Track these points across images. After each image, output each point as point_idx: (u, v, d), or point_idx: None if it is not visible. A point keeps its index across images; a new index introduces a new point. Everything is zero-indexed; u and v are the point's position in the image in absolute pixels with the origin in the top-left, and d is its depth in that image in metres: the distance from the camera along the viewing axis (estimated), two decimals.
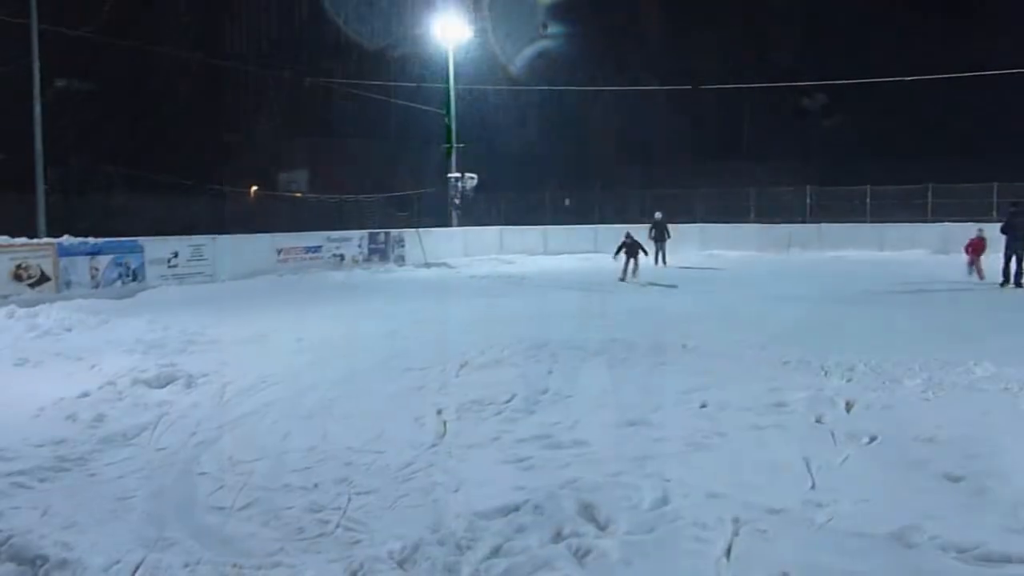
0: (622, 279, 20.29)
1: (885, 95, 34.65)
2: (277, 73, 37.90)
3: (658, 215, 26.19)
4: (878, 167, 33.27)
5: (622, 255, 20.45)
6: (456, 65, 32.29)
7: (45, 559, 4.01)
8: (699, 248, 30.36)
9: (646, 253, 20.92)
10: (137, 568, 4.03)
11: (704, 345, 10.72)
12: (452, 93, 32.26)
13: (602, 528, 4.46)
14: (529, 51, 37.67)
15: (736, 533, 4.46)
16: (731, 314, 14.18)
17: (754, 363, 9.43)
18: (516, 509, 4.61)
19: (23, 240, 16.79)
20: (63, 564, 3.96)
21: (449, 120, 32.46)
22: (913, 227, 30.44)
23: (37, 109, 19.22)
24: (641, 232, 23.39)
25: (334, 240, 24.73)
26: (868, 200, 32.67)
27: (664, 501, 4.89)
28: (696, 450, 6.08)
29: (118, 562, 4.10)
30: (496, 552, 4.14)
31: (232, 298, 17.48)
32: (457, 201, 32.10)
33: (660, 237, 25.20)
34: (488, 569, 3.97)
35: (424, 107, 33.47)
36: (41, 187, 19.11)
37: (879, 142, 39.43)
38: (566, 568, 4.01)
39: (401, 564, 4.04)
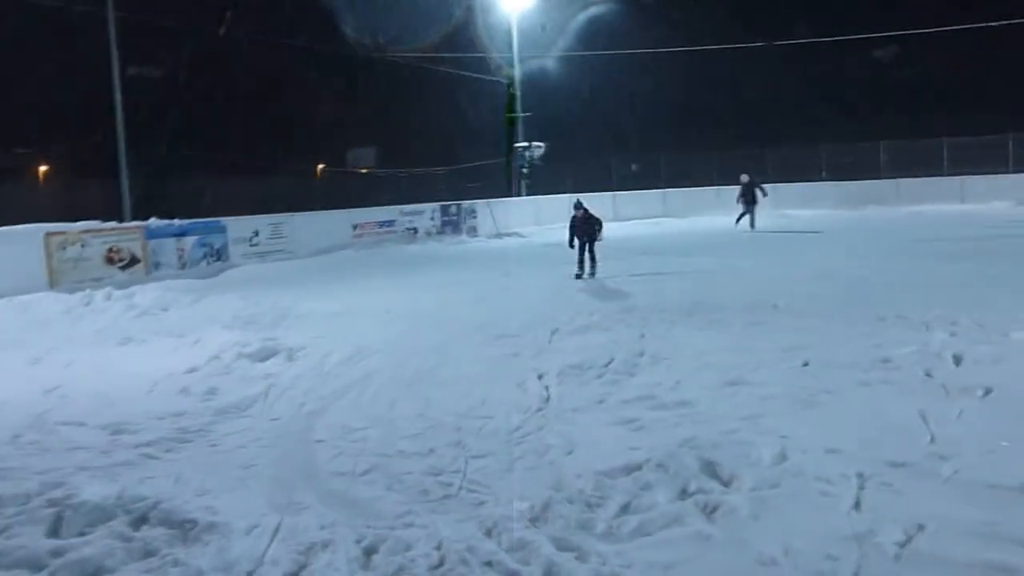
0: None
1: (959, 43, 33.48)
2: (343, 49, 38.13)
3: (744, 177, 24.84)
4: (954, 119, 32.24)
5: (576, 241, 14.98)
6: (519, 33, 32.12)
7: (194, 523, 4.17)
8: (772, 208, 29.80)
9: (599, 229, 14.85)
10: (277, 530, 4.16)
11: (795, 304, 10.60)
12: (516, 61, 32.13)
13: (726, 484, 4.47)
14: (591, 15, 37.24)
15: (862, 487, 4.43)
16: (817, 273, 13.97)
17: (849, 320, 9.30)
18: (638, 468, 4.64)
19: (113, 224, 17.31)
20: (211, 527, 4.12)
21: (513, 89, 32.36)
22: (994, 178, 29.46)
23: (118, 96, 19.69)
24: (724, 193, 22.60)
25: (407, 214, 24.96)
26: (945, 152, 31.69)
27: (783, 457, 4.88)
28: (806, 407, 6.04)
29: (257, 525, 4.24)
30: (626, 509, 4.19)
31: (313, 273, 17.82)
32: (525, 170, 32.06)
33: (750, 199, 24.25)
34: (621, 525, 4.02)
35: (490, 77, 33.43)
36: (124, 172, 19.61)
37: (953, 92, 38.17)
38: (697, 523, 4.04)
39: (534, 522, 4.11)
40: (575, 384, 7.13)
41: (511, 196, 31.45)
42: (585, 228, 14.85)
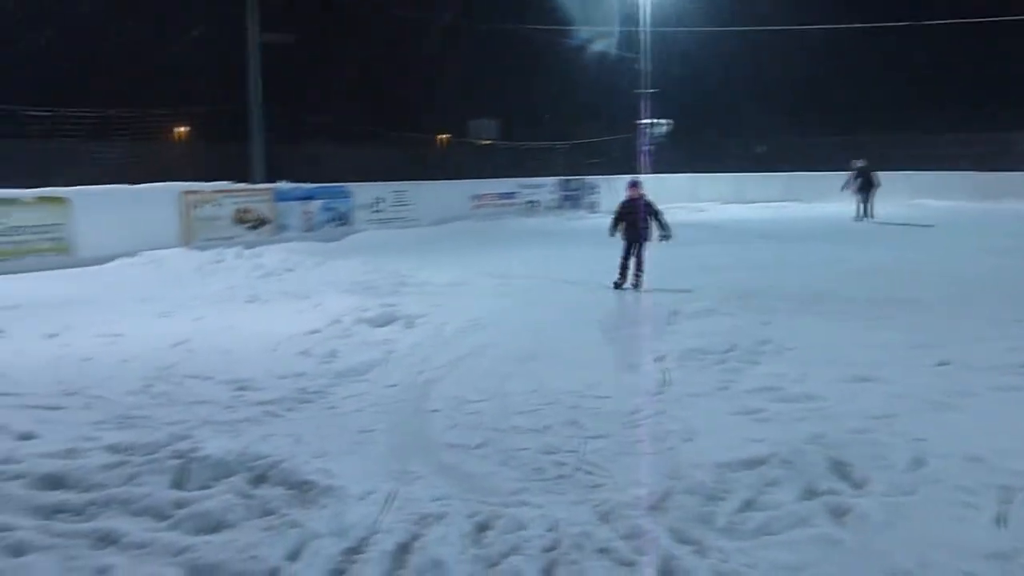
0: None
1: None
2: (468, 22, 38.24)
3: (859, 162, 23.69)
4: None
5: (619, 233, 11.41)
6: (650, 7, 31.50)
7: (312, 484, 4.22)
8: (906, 198, 28.43)
9: (656, 222, 11.22)
10: (392, 499, 4.16)
11: (924, 298, 10.09)
12: (645, 36, 31.55)
13: (857, 487, 4.23)
14: None
15: (1007, 501, 4.12)
16: (948, 268, 13.22)
17: (983, 320, 8.76)
18: (762, 462, 4.44)
19: (244, 185, 17.86)
20: (328, 490, 4.15)
21: (641, 65, 31.80)
22: None
23: (253, 62, 20.21)
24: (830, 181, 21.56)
25: (527, 187, 24.94)
26: None
27: (920, 462, 4.58)
28: (942, 410, 5.68)
29: (373, 492, 4.25)
30: (749, 505, 4.01)
31: (432, 242, 17.99)
32: (648, 148, 31.55)
33: (864, 186, 23.22)
34: (744, 521, 3.85)
35: (616, 51, 32.94)
36: (257, 136, 20.16)
37: None
38: (825, 526, 3.83)
39: (651, 510, 3.98)
40: (694, 369, 6.93)
41: (633, 173, 31.02)
42: (635, 219, 11.01)
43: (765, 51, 38.82)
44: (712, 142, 35.35)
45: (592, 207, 26.41)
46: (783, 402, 5.91)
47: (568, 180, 26.45)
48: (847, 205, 24.15)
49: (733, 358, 7.21)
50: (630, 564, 3.50)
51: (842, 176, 24.09)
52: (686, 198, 30.65)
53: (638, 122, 31.61)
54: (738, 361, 7.11)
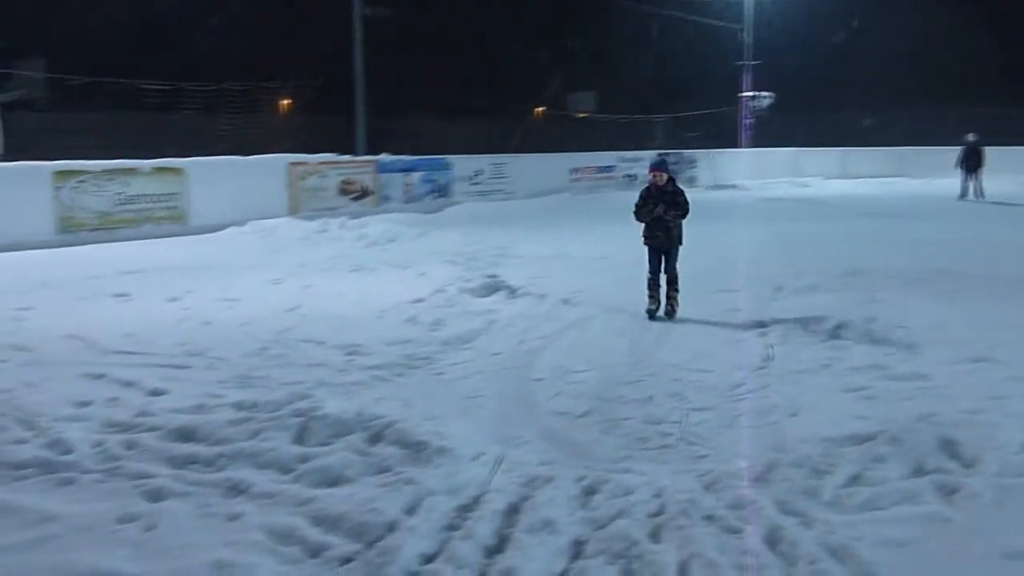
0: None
1: None
2: None
3: (970, 136, 22.43)
4: None
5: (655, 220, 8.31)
6: None
7: (425, 445, 4.40)
8: (1019, 175, 27.09)
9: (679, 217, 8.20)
10: (500, 462, 4.31)
11: None
12: (749, 6, 30.84)
13: (968, 466, 4.17)
14: None
15: None
16: None
17: None
18: (869, 439, 4.42)
19: (349, 157, 18.30)
20: (441, 451, 4.33)
21: (744, 36, 31.14)
22: None
23: (357, 35, 20.59)
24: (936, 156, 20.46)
25: (626, 160, 24.82)
26: None
27: None
28: None
29: (482, 454, 4.40)
30: (855, 480, 4.01)
31: (531, 215, 18.12)
32: (750, 121, 30.96)
33: (974, 164, 21.97)
34: (850, 496, 3.86)
35: (717, 22, 32.31)
36: (361, 108, 20.58)
37: None
38: (933, 503, 3.81)
39: (756, 482, 4.02)
40: (798, 345, 6.88)
41: (733, 147, 30.48)
42: (662, 209, 8.08)
43: (873, 19, 37.50)
44: (816, 115, 34.40)
45: (691, 181, 26.13)
46: (891, 380, 5.84)
47: (667, 154, 26.21)
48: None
49: (838, 335, 7.13)
50: (736, 532, 3.56)
51: (954, 151, 23.10)
52: (789, 173, 30.05)
53: (740, 95, 31.02)
54: (843, 338, 7.03)
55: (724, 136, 31.65)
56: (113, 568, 3.34)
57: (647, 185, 8.29)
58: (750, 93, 30.43)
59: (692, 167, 26.37)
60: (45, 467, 4.35)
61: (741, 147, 30.72)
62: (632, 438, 4.86)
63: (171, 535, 3.65)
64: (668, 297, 8.13)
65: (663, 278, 8.19)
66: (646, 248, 8.28)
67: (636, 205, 8.26)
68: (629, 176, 24.50)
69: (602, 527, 3.65)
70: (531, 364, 6.50)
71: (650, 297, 8.15)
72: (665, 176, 8.15)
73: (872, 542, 3.46)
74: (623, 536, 3.54)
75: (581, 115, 38.64)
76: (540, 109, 39.20)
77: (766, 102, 30.13)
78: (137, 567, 3.35)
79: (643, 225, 8.21)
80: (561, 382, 6.03)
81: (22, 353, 6.74)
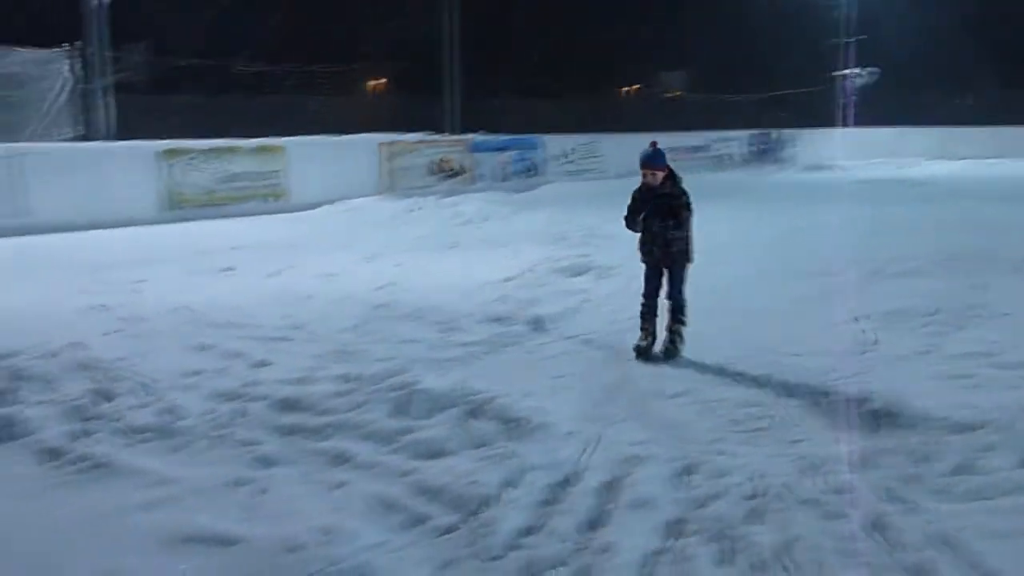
0: None
1: None
2: None
3: None
4: None
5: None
6: None
7: (526, 420, 4.48)
8: None
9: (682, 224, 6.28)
10: (597, 440, 4.35)
11: None
12: None
13: None
14: None
15: None
16: None
17: None
18: (977, 427, 4.33)
19: (442, 136, 18.51)
20: (537, 427, 4.40)
21: (843, 10, 30.20)
22: None
23: (448, 15, 20.73)
24: None
25: (717, 140, 24.44)
26: None
27: None
28: None
29: (577, 432, 4.46)
30: (960, 469, 3.93)
31: (621, 195, 17.79)
32: (848, 99, 30.09)
33: None
34: (955, 484, 3.79)
35: None
36: (454, 87, 20.75)
37: None
38: None
39: (856, 467, 3.98)
40: (898, 331, 6.71)
41: (831, 126, 29.67)
42: (653, 224, 6.30)
43: None
44: (919, 93, 33.17)
45: (787, 161, 25.58)
46: (997, 368, 5.66)
47: (762, 133, 25.69)
48: None
49: (940, 321, 6.94)
50: (838, 517, 3.53)
51: None
52: (889, 153, 29.10)
53: (839, 72, 30.15)
54: (945, 324, 6.83)
55: (823, 115, 30.80)
56: (226, 530, 3.51)
57: (640, 186, 6.35)
58: (850, 70, 29.54)
59: (788, 147, 25.78)
60: (161, 432, 4.58)
61: (838, 126, 29.88)
62: (726, 420, 4.84)
63: (279, 500, 3.81)
64: (669, 330, 6.18)
65: (663, 304, 6.29)
66: (643, 264, 6.47)
67: (628, 208, 6.44)
68: (720, 156, 24.15)
69: (699, 507, 3.67)
70: (624, 343, 6.50)
71: (642, 329, 6.23)
72: (660, 174, 6.17)
73: (979, 532, 3.39)
74: (720, 517, 3.56)
75: (671, 94, 38.14)
76: (631, 88, 38.82)
77: (866, 79, 29.22)
78: (248, 530, 3.51)
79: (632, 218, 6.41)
80: (654, 362, 6.03)
81: (136, 324, 7.07)
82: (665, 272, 6.32)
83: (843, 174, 23.95)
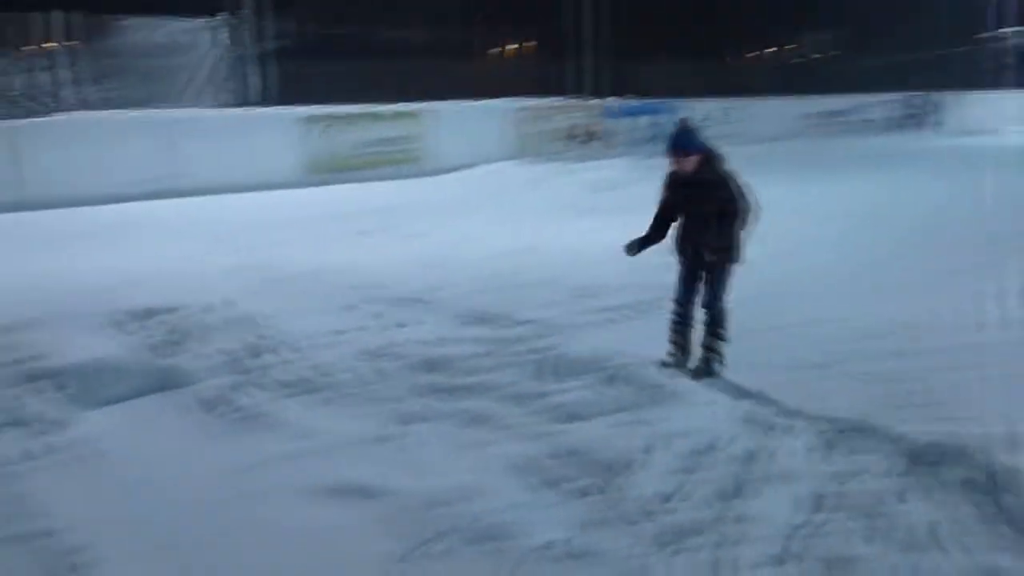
0: None
1: None
2: None
3: None
4: None
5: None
6: None
7: (660, 387, 4.46)
8: None
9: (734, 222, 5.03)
10: (740, 409, 4.28)
11: None
12: None
13: None
14: None
15: None
16: None
17: None
18: None
19: (576, 101, 18.39)
20: (674, 394, 4.37)
21: None
22: None
23: None
24: None
25: (864, 104, 23.37)
26: None
27: None
28: None
29: (716, 400, 4.41)
30: None
31: (761, 161, 17.25)
32: (1005, 60, 28.21)
33: None
34: None
35: None
36: (589, 52, 20.54)
37: None
38: None
39: (1011, 447, 3.77)
40: None
41: (984, 88, 27.89)
42: (689, 215, 5.16)
43: None
44: None
45: (938, 127, 24.26)
46: None
47: (911, 97, 24.40)
48: None
49: None
50: (989, 494, 3.37)
51: None
52: None
53: (994, 31, 28.26)
54: None
55: (972, 77, 28.97)
56: (370, 482, 3.63)
57: (671, 172, 5.17)
58: (1012, 29, 27.64)
59: (939, 111, 24.43)
60: (308, 387, 4.77)
61: (993, 89, 28.03)
62: (873, 394, 4.66)
63: (420, 457, 3.91)
64: (705, 347, 5.06)
65: (698, 312, 5.18)
66: (678, 262, 5.29)
67: (659, 204, 5.29)
68: (867, 121, 23.09)
69: (844, 482, 3.56)
70: (763, 313, 6.32)
71: (671, 343, 5.15)
72: (693, 159, 4.95)
73: None
74: (867, 492, 3.45)
75: (817, 56, 36.63)
76: (772, 50, 37.49)
77: None
78: (392, 483, 3.62)
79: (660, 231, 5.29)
80: (796, 332, 5.87)
81: (282, 283, 7.37)
82: (703, 276, 5.16)
83: (999, 141, 22.53)
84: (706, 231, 4.95)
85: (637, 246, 5.31)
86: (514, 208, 11.79)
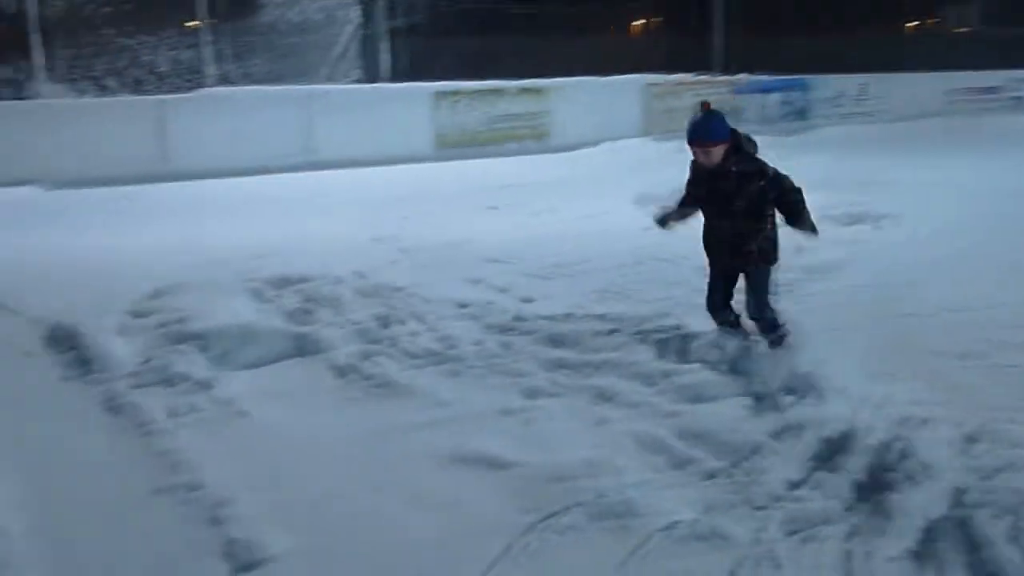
0: None
1: None
2: None
3: None
4: None
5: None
6: None
7: (795, 372, 4.33)
8: None
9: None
10: (874, 398, 4.12)
11: None
12: None
13: None
14: None
15: None
16: None
17: None
18: None
19: (705, 77, 18.03)
20: (807, 380, 4.22)
21: None
22: None
23: None
24: None
25: (1015, 80, 22.05)
26: None
27: None
28: None
29: (850, 387, 4.22)
30: None
31: (900, 140, 16.79)
32: None
33: None
34: None
35: None
36: (719, 27, 20.06)
37: None
38: None
39: None
40: None
41: None
42: (716, 211, 4.68)
43: None
44: None
45: None
46: None
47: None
48: None
49: None
50: None
51: None
52: None
53: None
54: None
55: None
56: (498, 454, 3.68)
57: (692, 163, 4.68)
58: None
59: None
60: (437, 358, 4.87)
61: None
62: (1018, 387, 4.43)
63: (546, 431, 3.95)
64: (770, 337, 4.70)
65: (743, 320, 4.75)
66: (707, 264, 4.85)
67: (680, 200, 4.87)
68: (1019, 98, 21.78)
69: (987, 478, 3.40)
70: (901, 298, 6.12)
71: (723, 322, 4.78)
72: (718, 149, 4.42)
73: None
74: (1013, 490, 3.27)
75: (960, 30, 34.72)
76: (913, 24, 35.76)
77: None
78: (518, 455, 3.66)
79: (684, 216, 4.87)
80: (937, 319, 5.63)
81: (412, 255, 7.55)
82: (737, 279, 4.71)
83: None
84: (736, 228, 4.54)
85: (675, 216, 4.88)
86: (642, 185, 11.61)
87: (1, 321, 5.96)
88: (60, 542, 3.13)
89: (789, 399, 4.10)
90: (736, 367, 4.48)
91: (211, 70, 14.98)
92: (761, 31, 20.41)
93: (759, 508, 3.24)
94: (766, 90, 18.41)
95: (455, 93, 15.42)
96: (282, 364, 4.94)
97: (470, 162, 14.46)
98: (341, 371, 4.75)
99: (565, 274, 6.84)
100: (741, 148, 4.49)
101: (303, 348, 5.04)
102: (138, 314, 5.63)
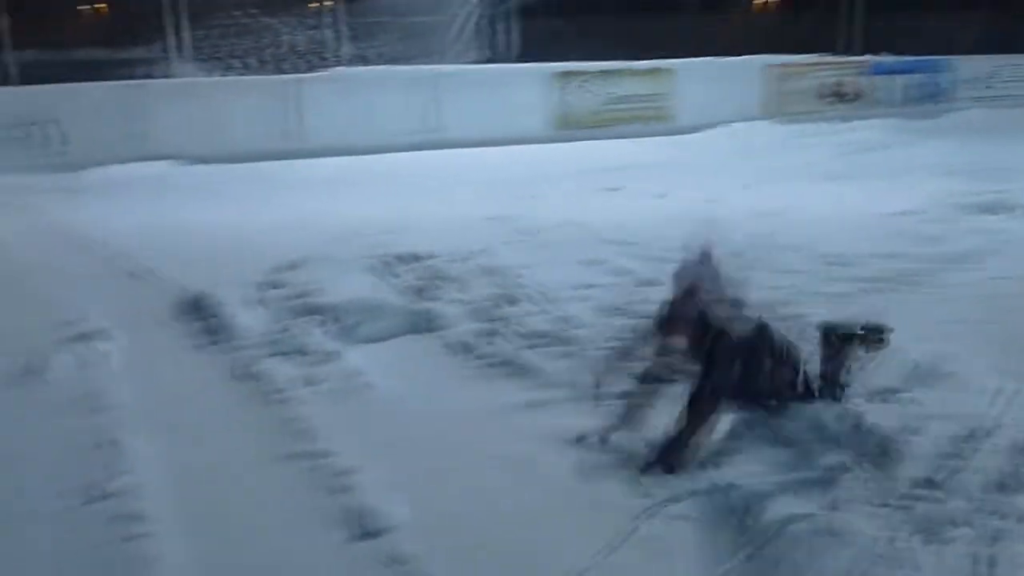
0: None
1: None
2: None
3: None
4: None
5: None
6: None
7: (921, 366, 4.17)
8: None
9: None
10: (1013, 396, 3.93)
11: None
12: None
13: None
14: None
15: None
16: None
17: None
18: None
19: (834, 58, 17.39)
20: (943, 374, 4.08)
21: None
22: None
23: None
24: None
25: None
26: None
27: None
28: None
29: (987, 384, 4.06)
30: None
31: None
32: None
33: None
34: None
35: None
36: (845, 7, 19.30)
37: None
38: None
39: None
40: None
41: None
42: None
43: None
44: None
45: None
46: None
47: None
48: None
49: None
50: None
51: None
52: None
53: None
54: None
55: None
56: (610, 437, 3.68)
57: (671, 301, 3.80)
58: None
59: None
60: (556, 338, 4.88)
61: None
62: None
63: (660, 415, 3.90)
64: None
65: None
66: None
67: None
68: None
69: None
70: None
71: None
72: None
73: None
74: None
75: None
76: None
77: None
78: (631, 440, 3.65)
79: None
80: None
81: (533, 235, 7.58)
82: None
83: None
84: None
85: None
86: (764, 169, 11.39)
87: (137, 290, 6.30)
88: (190, 501, 3.31)
89: (919, 394, 3.95)
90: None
91: (345, 50, 15.40)
92: (889, 11, 19.49)
93: (884, 506, 3.14)
94: (900, 71, 17.60)
95: (576, 73, 15.35)
96: (401, 339, 5.05)
97: (591, 143, 14.40)
98: (458, 348, 4.83)
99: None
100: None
101: (421, 325, 5.15)
102: (268, 286, 5.86)
